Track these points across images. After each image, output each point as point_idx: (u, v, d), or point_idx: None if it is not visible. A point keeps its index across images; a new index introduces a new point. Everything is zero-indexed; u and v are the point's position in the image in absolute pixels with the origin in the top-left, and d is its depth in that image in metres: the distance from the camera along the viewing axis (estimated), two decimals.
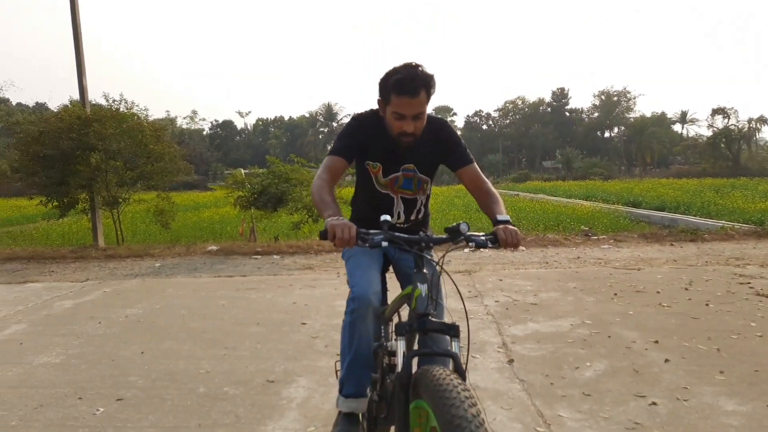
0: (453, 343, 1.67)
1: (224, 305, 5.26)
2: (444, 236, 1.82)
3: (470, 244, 1.77)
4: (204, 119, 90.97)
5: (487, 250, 6.94)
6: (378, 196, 2.23)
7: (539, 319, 4.47)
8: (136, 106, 10.18)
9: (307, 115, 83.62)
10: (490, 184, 2.16)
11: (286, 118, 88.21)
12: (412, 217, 2.28)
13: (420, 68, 1.95)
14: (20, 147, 8.86)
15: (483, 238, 1.79)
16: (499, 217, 1.91)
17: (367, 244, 1.69)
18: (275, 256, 8.55)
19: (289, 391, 3.17)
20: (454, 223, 1.79)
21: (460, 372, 1.61)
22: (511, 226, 1.84)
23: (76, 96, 10.19)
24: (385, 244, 1.71)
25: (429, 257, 1.85)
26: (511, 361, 3.58)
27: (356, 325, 1.98)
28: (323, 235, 1.71)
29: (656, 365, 3.40)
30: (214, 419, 2.83)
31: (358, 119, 2.18)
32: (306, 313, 4.89)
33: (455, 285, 1.89)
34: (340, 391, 2.14)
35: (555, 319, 4.44)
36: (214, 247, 9.32)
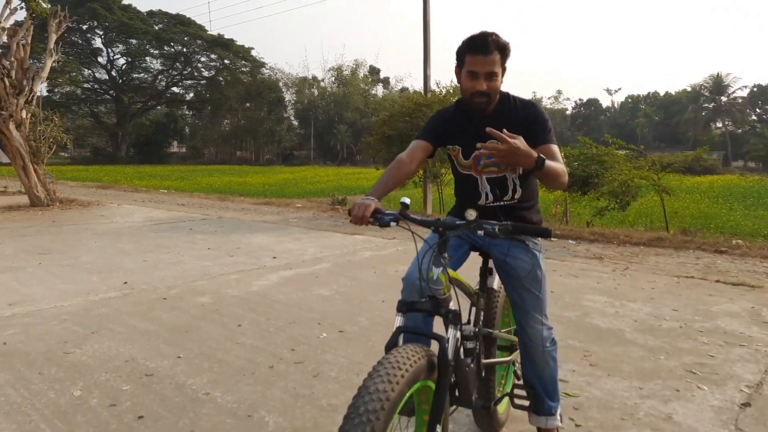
0: (450, 328, 1.68)
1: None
2: (461, 221, 1.73)
3: (479, 232, 1.71)
4: (568, 98, 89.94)
5: None
6: (462, 180, 2.20)
7: None
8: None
9: (689, 89, 73.23)
10: (563, 167, 1.95)
11: (662, 93, 79.46)
12: (506, 198, 2.13)
13: (494, 33, 1.96)
14: (374, 127, 10.99)
15: (495, 226, 1.69)
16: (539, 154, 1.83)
17: (378, 223, 1.78)
18: (570, 241, 8.26)
19: None
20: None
21: (444, 357, 1.58)
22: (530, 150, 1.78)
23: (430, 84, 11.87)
24: (393, 224, 1.76)
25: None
26: (745, 405, 2.80)
27: None
28: (349, 212, 1.86)
29: None
30: None
31: (441, 111, 2.26)
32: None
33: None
34: None
35: None
36: None
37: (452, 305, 1.82)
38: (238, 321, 4.10)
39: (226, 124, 58.50)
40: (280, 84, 56.56)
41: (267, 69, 56.99)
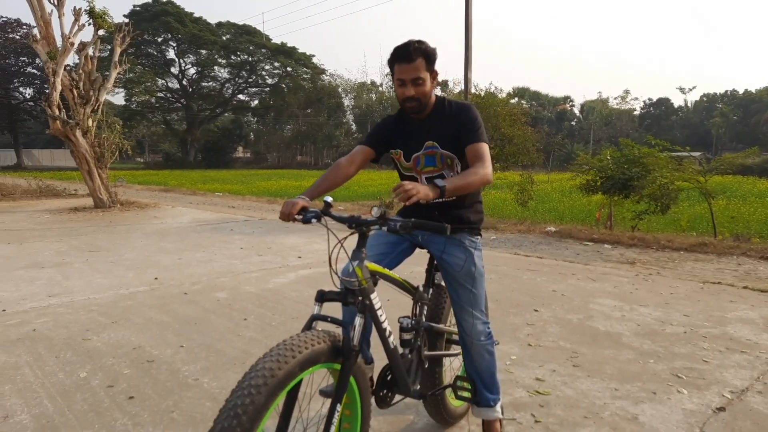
0: (357, 317, 1.79)
1: (492, 279, 5.55)
2: (372, 219, 1.83)
3: (383, 228, 1.80)
4: (636, 98, 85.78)
5: None
6: (406, 180, 2.26)
7: None
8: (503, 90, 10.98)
9: None
10: (479, 167, 2.00)
11: (741, 91, 74.49)
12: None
13: (418, 41, 2.06)
14: None
15: (397, 223, 1.78)
16: (437, 180, 1.87)
17: (302, 220, 1.90)
18: (606, 246, 8.04)
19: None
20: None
21: (347, 342, 1.69)
22: (421, 186, 1.79)
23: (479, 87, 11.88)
24: (314, 221, 1.88)
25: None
26: (720, 410, 2.72)
27: None
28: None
29: None
30: None
31: (385, 118, 2.35)
32: (546, 301, 4.73)
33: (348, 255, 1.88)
34: None
35: None
36: (552, 228, 9.42)
37: (374, 296, 1.93)
38: (245, 315, 4.34)
39: (287, 130, 60.19)
40: (340, 90, 57.66)
41: (327, 75, 58.25)
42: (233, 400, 1.46)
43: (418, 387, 2.28)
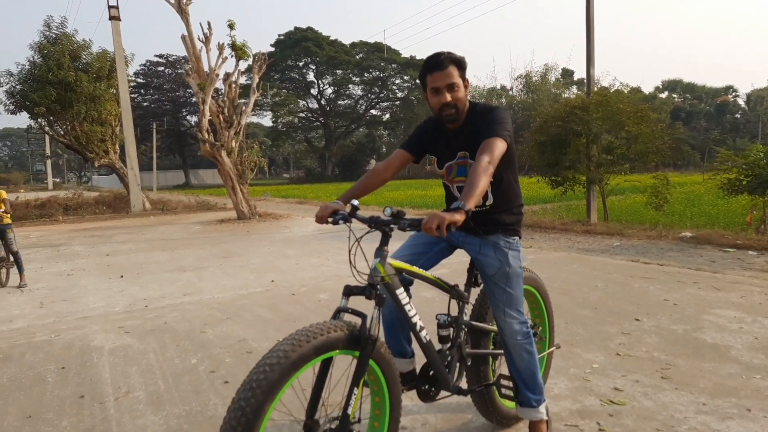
0: (375, 309, 1.90)
1: (597, 287, 5.26)
2: (387, 218, 1.92)
3: (390, 227, 1.91)
4: None
5: None
6: (444, 186, 2.35)
7: None
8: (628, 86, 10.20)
9: None
10: (484, 162, 1.90)
11: None
12: (478, 204, 2.20)
13: (448, 51, 2.11)
14: (529, 135, 10.77)
15: (407, 222, 1.86)
16: (453, 204, 1.80)
17: (332, 221, 2.05)
18: (751, 252, 7.16)
19: None
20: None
21: (363, 331, 1.83)
22: (445, 213, 1.73)
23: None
24: (341, 222, 2.02)
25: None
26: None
27: None
28: None
29: None
30: None
31: (426, 121, 2.37)
32: (653, 310, 4.36)
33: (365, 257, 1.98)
34: None
35: None
36: (688, 234, 8.57)
37: (400, 292, 2.04)
38: None
39: None
40: (468, 97, 57.55)
41: None
42: (251, 376, 1.67)
43: (460, 384, 2.32)
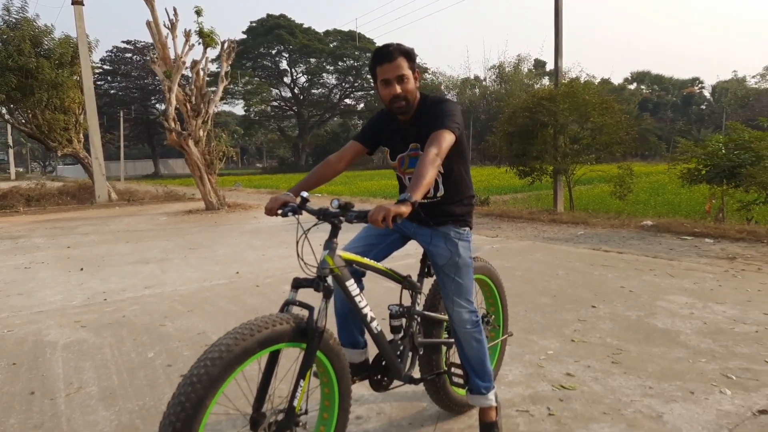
0: (322, 301, 1.93)
1: (558, 275, 5.36)
2: (335, 210, 1.92)
3: (339, 219, 1.94)
4: None
5: None
6: (397, 177, 2.37)
7: None
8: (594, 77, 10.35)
9: None
10: (432, 154, 1.89)
11: None
12: (429, 195, 2.22)
13: (396, 43, 2.11)
14: (498, 125, 10.88)
15: (353, 214, 1.88)
16: (401, 196, 1.80)
17: (281, 213, 2.05)
18: (707, 240, 7.37)
19: None
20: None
21: (310, 323, 1.84)
22: (391, 205, 1.74)
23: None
24: (290, 214, 2.03)
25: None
26: (762, 413, 2.47)
27: None
28: None
29: None
30: None
31: (378, 113, 2.36)
32: (609, 298, 4.48)
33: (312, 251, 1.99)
34: None
35: None
36: (649, 222, 8.78)
37: (350, 284, 2.04)
38: None
39: None
40: (442, 87, 57.53)
41: (429, 74, 58.44)
42: (192, 371, 1.65)
43: (413, 373, 2.34)
